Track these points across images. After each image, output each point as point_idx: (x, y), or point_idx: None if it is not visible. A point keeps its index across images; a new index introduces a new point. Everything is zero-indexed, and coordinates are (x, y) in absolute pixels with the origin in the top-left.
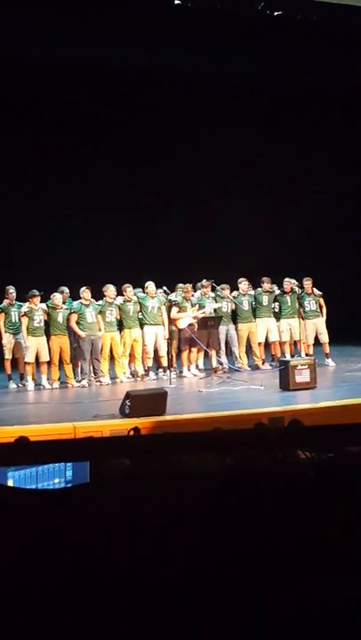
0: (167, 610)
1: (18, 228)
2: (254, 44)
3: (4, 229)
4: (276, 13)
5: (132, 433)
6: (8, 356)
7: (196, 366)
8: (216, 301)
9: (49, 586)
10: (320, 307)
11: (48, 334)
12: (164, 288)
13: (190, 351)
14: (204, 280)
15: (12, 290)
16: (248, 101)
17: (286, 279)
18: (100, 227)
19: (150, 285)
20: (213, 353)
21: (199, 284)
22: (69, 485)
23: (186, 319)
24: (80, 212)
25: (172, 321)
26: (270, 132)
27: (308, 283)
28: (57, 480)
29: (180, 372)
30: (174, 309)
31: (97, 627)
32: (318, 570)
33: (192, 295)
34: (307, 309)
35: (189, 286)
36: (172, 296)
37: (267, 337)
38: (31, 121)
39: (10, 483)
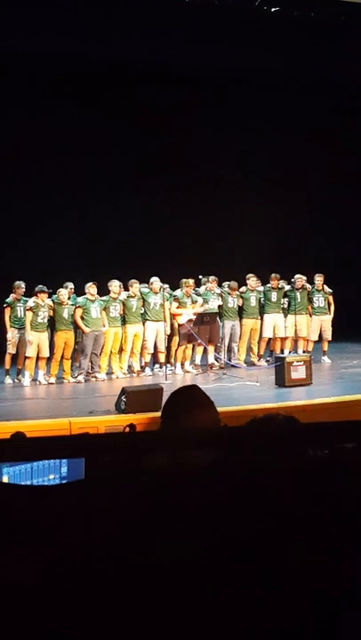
0: (164, 608)
1: (22, 224)
2: (254, 40)
3: (9, 225)
4: (273, 9)
5: (127, 430)
6: (12, 350)
7: (192, 362)
8: (222, 297)
9: (43, 583)
10: (329, 304)
11: (53, 330)
12: (167, 286)
13: (186, 347)
14: (208, 277)
15: (23, 285)
16: (248, 98)
17: (297, 275)
18: (104, 222)
19: (155, 282)
20: (211, 349)
21: (204, 279)
22: (64, 482)
23: (185, 315)
24: (84, 208)
25: (172, 316)
26: (273, 127)
27: (319, 279)
28: (52, 476)
29: (173, 369)
30: (174, 304)
31: (94, 624)
32: (318, 568)
33: (194, 290)
34: (315, 305)
35: (191, 281)
36: (177, 292)
37: (273, 332)
38: (33, 116)
39: (5, 479)
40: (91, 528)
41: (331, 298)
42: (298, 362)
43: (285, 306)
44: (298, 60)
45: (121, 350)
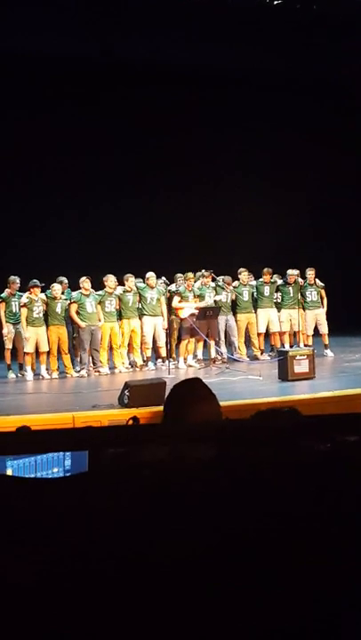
0: (164, 608)
1: (21, 223)
2: (254, 39)
3: (8, 225)
4: (276, 2)
5: (130, 422)
6: (8, 345)
7: (195, 356)
8: (216, 292)
9: (45, 577)
10: (321, 298)
11: (47, 325)
12: (164, 278)
13: (189, 341)
14: (204, 270)
15: (18, 280)
16: (248, 98)
17: (290, 270)
18: (104, 222)
19: (152, 277)
20: (213, 343)
21: (199, 274)
22: (68, 474)
23: (188, 309)
24: (83, 208)
25: (172, 311)
26: (273, 127)
27: (310, 273)
28: (56, 469)
29: (176, 363)
30: (176, 299)
31: (93, 622)
32: (318, 568)
33: (192, 285)
34: (308, 300)
35: (191, 274)
36: (173, 287)
37: (268, 327)
38: (33, 116)
39: (9, 472)
40: (91, 526)
41: (323, 291)
42: (301, 356)
43: (278, 300)
44: (298, 59)
45: (120, 345)
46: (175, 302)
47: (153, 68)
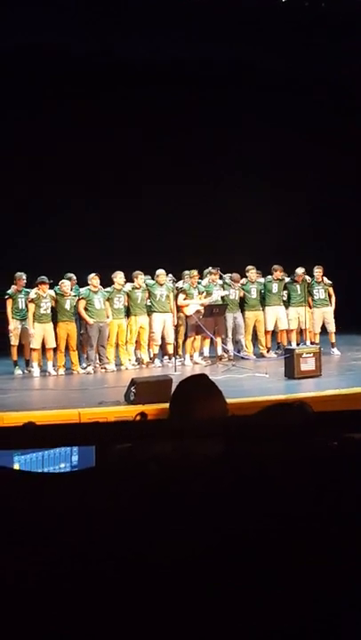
0: (164, 608)
1: (25, 218)
2: (255, 39)
3: (11, 219)
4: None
5: (138, 418)
6: (15, 342)
7: (201, 354)
8: (224, 289)
9: (45, 578)
10: (329, 296)
11: (55, 321)
12: (171, 275)
13: (195, 339)
14: (211, 267)
15: (24, 277)
16: (248, 98)
17: (298, 269)
18: (104, 223)
19: (162, 275)
20: (219, 340)
21: (206, 271)
22: (75, 470)
23: (193, 306)
24: (83, 209)
25: (179, 308)
26: (273, 127)
27: (318, 271)
28: (63, 464)
29: (183, 360)
30: (181, 296)
31: (93, 622)
32: (318, 568)
33: (199, 282)
34: (316, 298)
35: (195, 272)
36: (180, 283)
37: (275, 325)
38: (33, 116)
39: (16, 467)
40: (93, 525)
41: (331, 289)
42: (307, 354)
43: (285, 298)
44: (298, 59)
45: (127, 342)
46: (180, 300)
47: (153, 68)
